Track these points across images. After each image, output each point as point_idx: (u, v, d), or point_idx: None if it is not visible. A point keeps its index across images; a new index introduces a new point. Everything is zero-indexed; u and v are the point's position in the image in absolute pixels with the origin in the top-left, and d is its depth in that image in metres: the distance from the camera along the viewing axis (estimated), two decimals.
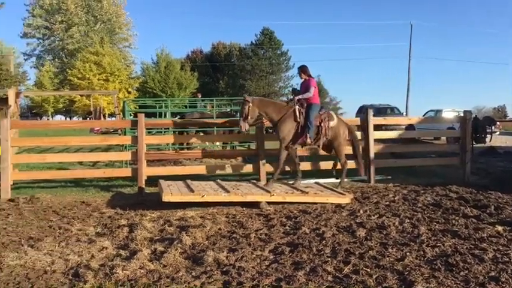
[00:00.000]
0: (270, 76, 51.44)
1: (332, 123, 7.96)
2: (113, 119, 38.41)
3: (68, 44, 60.98)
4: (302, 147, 8.16)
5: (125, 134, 11.59)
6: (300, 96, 7.88)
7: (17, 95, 16.15)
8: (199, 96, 21.60)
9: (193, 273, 3.84)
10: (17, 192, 8.03)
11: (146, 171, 8.21)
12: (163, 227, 5.46)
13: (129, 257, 4.26)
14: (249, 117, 7.57)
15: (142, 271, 3.90)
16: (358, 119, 9.96)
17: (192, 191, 6.66)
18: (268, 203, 6.68)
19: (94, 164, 11.99)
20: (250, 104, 7.55)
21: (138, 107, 20.90)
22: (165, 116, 15.21)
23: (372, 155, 8.81)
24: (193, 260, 4.21)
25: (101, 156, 10.74)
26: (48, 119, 56.09)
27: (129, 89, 50.12)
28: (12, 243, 4.81)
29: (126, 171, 8.70)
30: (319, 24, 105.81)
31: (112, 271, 3.85)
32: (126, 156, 9.32)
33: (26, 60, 64.42)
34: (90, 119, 49.12)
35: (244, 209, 6.51)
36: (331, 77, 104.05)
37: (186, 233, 4.99)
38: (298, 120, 7.65)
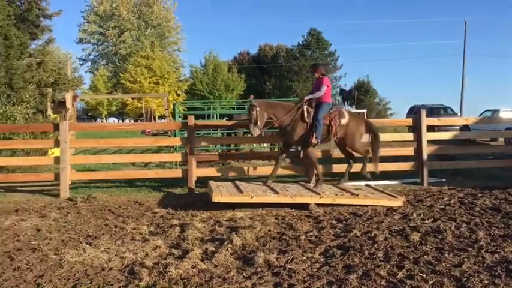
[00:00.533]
0: None
1: (343, 121, 7.74)
2: (163, 121, 39.43)
3: (120, 49, 63.25)
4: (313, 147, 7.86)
5: (175, 136, 11.87)
6: (310, 96, 7.73)
7: (74, 98, 16.91)
8: (252, 98, 21.64)
9: (244, 274, 3.86)
10: (75, 191, 8.39)
11: (196, 172, 8.35)
12: (213, 228, 5.53)
13: (182, 256, 4.35)
14: (259, 122, 7.43)
15: (194, 270, 3.97)
16: (410, 119, 9.69)
17: (241, 191, 6.71)
18: (318, 204, 6.62)
19: (146, 165, 12.36)
20: (258, 109, 7.43)
21: (186, 109, 21.34)
22: (213, 117, 15.43)
23: (425, 156, 8.54)
24: (244, 260, 4.23)
25: (153, 157, 11.03)
26: (102, 121, 58.38)
27: (178, 92, 51.27)
28: (72, 241, 5.03)
29: (177, 172, 8.90)
30: (368, 24, 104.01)
31: (166, 269, 3.94)
32: (177, 157, 9.51)
33: (81, 65, 67.45)
34: (141, 121, 50.69)
35: (293, 210, 6.48)
36: (380, 77, 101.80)
37: (236, 233, 5.03)
38: (307, 120, 7.54)
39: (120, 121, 61.95)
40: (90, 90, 57.34)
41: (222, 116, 16.15)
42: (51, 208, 6.91)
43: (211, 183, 7.42)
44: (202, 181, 8.30)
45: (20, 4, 11.51)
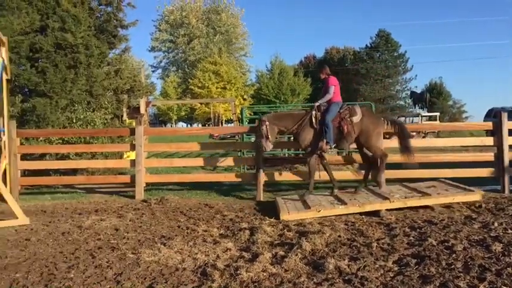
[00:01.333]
0: (386, 79, 49.71)
1: (355, 119, 7.38)
2: (231, 125, 40.19)
3: (189, 56, 65.33)
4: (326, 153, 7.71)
5: (242, 140, 12.03)
6: (320, 101, 7.57)
7: (147, 104, 17.66)
8: None
9: (315, 280, 3.82)
10: (149, 193, 8.76)
11: (263, 176, 8.42)
12: (282, 232, 5.53)
13: (252, 260, 4.39)
14: (270, 136, 7.43)
15: (265, 274, 3.99)
16: (490, 123, 9.14)
17: (308, 206, 6.59)
18: (388, 209, 6.43)
19: (214, 169, 12.63)
20: (267, 123, 7.42)
21: (252, 114, 21.57)
22: None
23: (506, 162, 8.02)
24: (314, 266, 4.19)
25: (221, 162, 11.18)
26: (171, 126, 60.51)
27: (245, 96, 52.02)
28: (147, 241, 5.25)
29: (245, 176, 9.01)
30: (440, 23, 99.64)
31: (236, 272, 4.00)
32: (250, 161, 9.59)
33: (153, 72, 70.41)
34: (208, 125, 51.95)
35: (363, 216, 6.33)
36: (454, 79, 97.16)
37: (305, 238, 5.00)
38: (315, 126, 7.38)
39: (189, 125, 63.87)
40: (161, 96, 59.68)
41: None
42: (128, 209, 7.27)
43: (279, 200, 7.35)
44: (270, 184, 8.34)
45: (99, 16, 12.24)
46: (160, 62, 70.72)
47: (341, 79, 46.59)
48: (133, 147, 8.78)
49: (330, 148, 7.56)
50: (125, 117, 15.79)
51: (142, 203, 7.86)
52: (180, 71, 67.53)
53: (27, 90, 10.82)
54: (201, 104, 51.33)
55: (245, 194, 8.72)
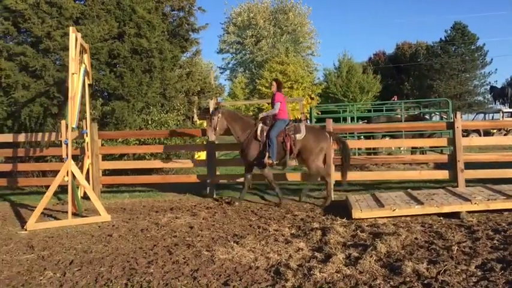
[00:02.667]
0: (462, 74, 47.19)
1: (298, 136, 7.46)
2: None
3: (257, 56, 65.93)
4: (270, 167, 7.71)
5: None
6: (263, 114, 7.80)
7: (216, 105, 18.01)
8: (396, 99, 20.76)
9: (391, 283, 3.71)
10: (220, 193, 8.95)
11: (333, 176, 8.30)
12: (355, 233, 5.42)
13: (325, 260, 4.34)
14: (218, 128, 7.53)
15: (338, 275, 3.93)
16: None
17: (381, 205, 6.42)
18: (469, 211, 6.09)
19: (283, 168, 12.64)
20: (220, 115, 7.50)
21: (320, 113, 21.34)
22: (347, 120, 15.18)
23: None
24: (390, 268, 4.06)
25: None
26: None
27: (312, 95, 51.63)
28: (220, 239, 5.36)
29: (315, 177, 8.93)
30: None
31: (310, 272, 3.97)
32: None
33: (221, 73, 71.84)
34: None
35: (441, 218, 6.05)
36: None
37: (380, 240, 4.86)
38: (259, 139, 7.43)
39: None
40: (229, 96, 60.72)
41: (358, 119, 15.84)
42: (201, 207, 7.47)
43: (350, 197, 7.25)
44: (340, 185, 8.20)
45: (172, 21, 12.68)
46: (228, 63, 71.97)
47: (413, 75, 44.75)
48: (205, 147, 9.00)
49: (273, 164, 7.63)
50: (195, 118, 16.26)
51: (214, 201, 8.05)
52: (247, 71, 68.32)
53: (106, 94, 11.43)
54: (268, 103, 51.63)
55: (315, 193, 8.64)
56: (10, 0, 10.12)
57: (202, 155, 11.99)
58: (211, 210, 7.22)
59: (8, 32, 10.59)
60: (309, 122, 16.97)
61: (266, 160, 7.45)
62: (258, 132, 7.54)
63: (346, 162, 7.67)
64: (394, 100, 20.07)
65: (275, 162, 7.59)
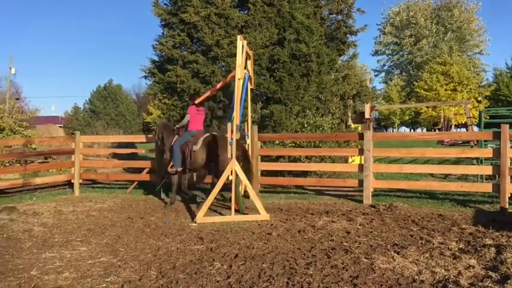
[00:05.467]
0: None
1: (195, 147, 8.27)
2: (462, 130, 36.81)
3: (415, 57, 62.57)
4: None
5: (480, 146, 10.85)
6: (178, 125, 8.81)
7: (371, 109, 17.56)
8: None
9: None
10: (376, 199, 8.66)
11: (510, 187, 7.41)
12: None
13: (501, 281, 3.89)
14: (156, 138, 9.19)
15: None
16: None
17: None
18: None
19: (445, 177, 11.74)
20: (157, 128, 9.11)
21: (488, 117, 19.26)
22: None
23: None
24: None
25: (458, 169, 10.21)
26: (393, 131, 58.94)
27: (479, 98, 47.02)
28: (379, 247, 5.16)
29: (486, 187, 8.11)
30: None
31: None
32: (488, 170, 8.56)
33: (376, 76, 69.85)
34: (435, 130, 48.74)
35: None
36: None
37: None
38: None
39: (411, 130, 61.14)
40: (383, 100, 58.75)
41: None
42: (357, 213, 7.32)
43: None
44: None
45: (330, 24, 12.73)
46: (384, 65, 69.74)
47: None
48: (361, 152, 8.81)
49: (175, 172, 8.44)
50: (349, 122, 16.04)
51: (371, 208, 7.81)
52: (404, 73, 65.29)
53: (265, 97, 11.97)
54: (427, 107, 48.57)
55: (485, 206, 7.82)
56: (186, 14, 11.26)
57: (356, 160, 11.78)
58: (368, 216, 7.02)
59: (183, 42, 11.80)
60: (476, 127, 15.45)
61: (169, 168, 8.48)
62: (173, 142, 8.59)
63: (247, 170, 7.94)
64: None
65: (179, 170, 8.41)
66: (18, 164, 13.53)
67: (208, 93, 9.76)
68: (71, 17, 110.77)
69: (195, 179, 9.60)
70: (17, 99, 32.32)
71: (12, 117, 17.03)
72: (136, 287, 4.12)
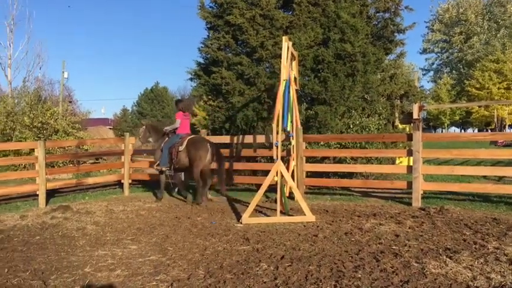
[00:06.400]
0: None
1: (180, 148, 9.00)
2: None
3: (466, 55, 60.33)
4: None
5: None
6: (167, 128, 9.69)
7: (420, 108, 17.06)
8: None
9: None
10: (426, 201, 8.39)
11: None
12: None
13: None
14: (141, 138, 9.98)
15: None
16: None
17: None
18: None
19: (499, 179, 11.23)
20: (143, 128, 9.87)
21: None
22: None
23: None
24: None
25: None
26: (442, 131, 57.08)
27: None
28: (431, 251, 5.00)
29: None
30: None
31: None
32: None
33: (424, 75, 67.83)
34: (487, 130, 46.77)
35: None
36: None
37: None
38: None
39: (462, 131, 58.94)
40: (432, 99, 56.98)
41: None
42: (406, 216, 7.12)
43: None
44: None
45: (376, 23, 12.48)
46: (432, 64, 67.66)
47: None
48: (409, 153, 8.58)
49: (162, 170, 9.31)
50: (396, 122, 15.64)
51: (420, 211, 7.58)
52: (454, 72, 63.06)
53: (310, 98, 11.87)
54: (479, 107, 46.71)
55: None
56: (231, 16, 11.36)
57: (404, 161, 11.47)
58: (418, 219, 6.81)
59: (228, 44, 11.91)
60: None
61: (155, 166, 9.40)
62: (163, 143, 9.34)
63: (220, 171, 8.99)
64: None
65: (164, 169, 9.22)
66: (71, 165, 14.09)
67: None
68: (116, 27, 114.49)
69: (182, 178, 10.06)
70: (70, 102, 33.60)
71: (65, 120, 17.80)
72: (185, 285, 4.19)
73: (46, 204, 9.09)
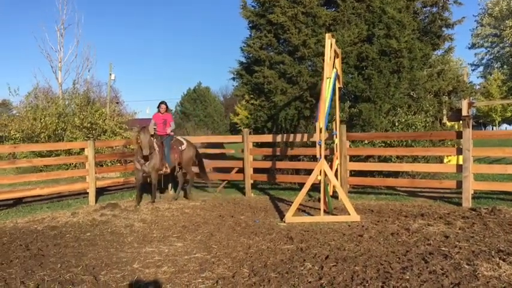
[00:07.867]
0: None
1: (183, 147, 9.71)
2: None
3: None
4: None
5: None
6: (170, 130, 9.80)
7: (469, 105, 16.43)
8: None
9: None
10: (477, 201, 8.07)
11: None
12: None
13: None
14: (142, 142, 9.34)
15: None
16: None
17: None
18: None
19: None
20: (144, 132, 8.90)
21: None
22: None
23: None
24: None
25: None
26: (493, 129, 54.78)
27: None
28: (482, 253, 4.79)
29: None
30: None
31: None
32: None
33: (473, 70, 65.24)
34: None
35: None
36: None
37: None
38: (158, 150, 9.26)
39: None
40: (482, 96, 54.71)
41: None
42: (455, 216, 6.88)
43: None
44: None
45: (423, 18, 12.11)
46: (482, 59, 64.93)
47: None
48: (459, 151, 8.28)
49: (165, 171, 9.53)
50: (444, 120, 15.11)
51: (471, 211, 7.29)
52: (505, 67, 60.29)
53: (354, 96, 11.67)
54: None
55: None
56: (273, 15, 11.35)
57: (453, 160, 11.07)
58: (468, 220, 6.55)
59: (270, 43, 11.91)
60: None
61: (163, 168, 9.41)
62: (157, 145, 9.36)
63: (201, 168, 10.23)
64: None
65: (165, 170, 9.50)
66: (119, 164, 14.51)
67: None
68: (157, 30, 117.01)
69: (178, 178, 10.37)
70: (117, 103, 34.58)
71: (113, 120, 18.35)
72: (230, 283, 4.22)
73: (96, 202, 9.43)
